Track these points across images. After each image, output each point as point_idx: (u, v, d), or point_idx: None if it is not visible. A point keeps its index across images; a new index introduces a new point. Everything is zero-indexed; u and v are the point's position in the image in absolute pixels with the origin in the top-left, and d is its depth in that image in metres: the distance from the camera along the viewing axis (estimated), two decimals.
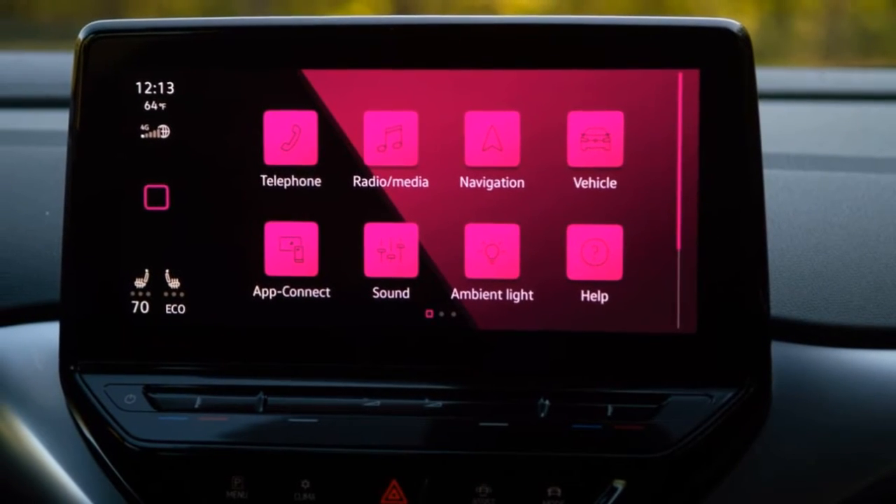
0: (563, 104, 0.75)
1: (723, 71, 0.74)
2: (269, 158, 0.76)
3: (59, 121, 0.86)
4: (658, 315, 0.75)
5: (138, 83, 0.77)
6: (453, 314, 0.76)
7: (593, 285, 0.76)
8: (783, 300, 0.81)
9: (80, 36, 0.77)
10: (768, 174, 0.76)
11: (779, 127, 1.05)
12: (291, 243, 0.77)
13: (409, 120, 0.76)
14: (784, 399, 0.77)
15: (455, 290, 0.76)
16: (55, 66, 1.20)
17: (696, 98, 0.74)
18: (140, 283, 0.77)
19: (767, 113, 0.78)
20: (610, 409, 0.75)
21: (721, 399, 0.74)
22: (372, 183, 0.76)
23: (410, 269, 0.76)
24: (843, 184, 0.93)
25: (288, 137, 0.76)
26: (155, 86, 0.77)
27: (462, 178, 0.76)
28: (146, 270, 0.77)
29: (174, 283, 0.77)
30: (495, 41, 0.75)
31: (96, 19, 0.78)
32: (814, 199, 0.90)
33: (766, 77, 0.92)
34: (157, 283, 0.77)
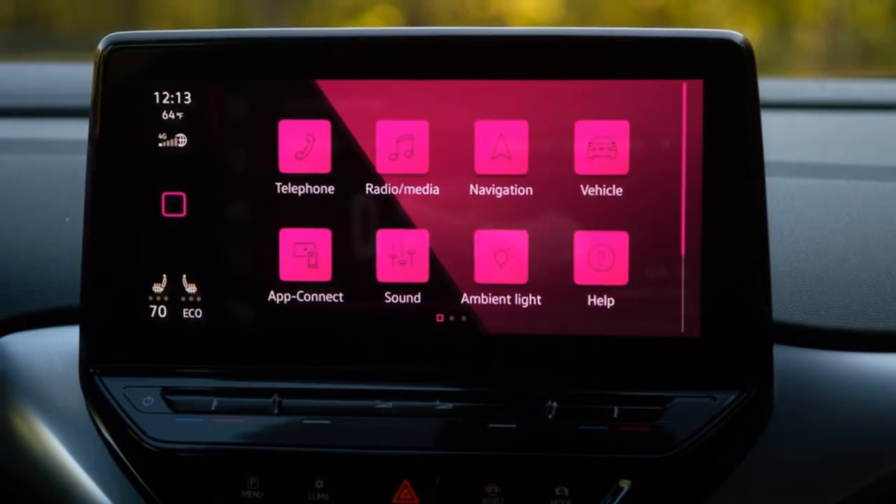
0: (570, 114, 0.76)
1: (726, 81, 0.74)
2: (284, 166, 0.77)
3: (78, 130, 0.87)
4: (663, 319, 0.76)
5: (156, 93, 0.77)
6: (463, 318, 0.77)
7: (600, 290, 0.76)
8: (785, 305, 0.82)
9: (100, 47, 0.77)
10: (770, 182, 0.76)
11: (780, 136, 1.06)
12: (305, 249, 0.77)
13: (420, 129, 0.77)
14: (785, 401, 0.78)
15: (465, 294, 0.77)
16: (75, 76, 1.19)
17: (700, 108, 0.75)
18: (158, 288, 0.78)
19: (769, 122, 0.78)
20: (616, 410, 0.75)
21: (724, 401, 0.75)
22: (384, 190, 0.77)
23: (421, 275, 0.77)
24: (843, 192, 0.93)
25: (302, 146, 0.77)
26: (172, 96, 0.77)
27: (472, 186, 0.77)
28: (164, 276, 0.78)
29: (191, 288, 0.78)
30: (504, 52, 0.76)
31: (115, 31, 0.78)
32: (815, 207, 0.91)
33: (769, 87, 0.93)
34: (174, 288, 0.78)
